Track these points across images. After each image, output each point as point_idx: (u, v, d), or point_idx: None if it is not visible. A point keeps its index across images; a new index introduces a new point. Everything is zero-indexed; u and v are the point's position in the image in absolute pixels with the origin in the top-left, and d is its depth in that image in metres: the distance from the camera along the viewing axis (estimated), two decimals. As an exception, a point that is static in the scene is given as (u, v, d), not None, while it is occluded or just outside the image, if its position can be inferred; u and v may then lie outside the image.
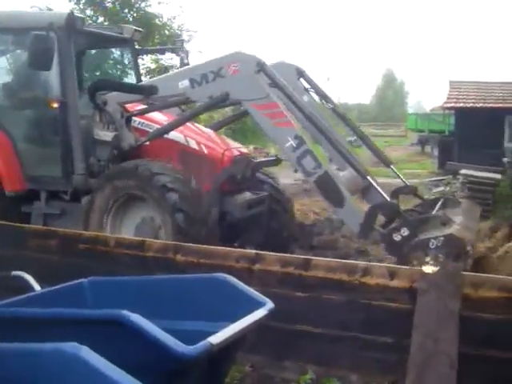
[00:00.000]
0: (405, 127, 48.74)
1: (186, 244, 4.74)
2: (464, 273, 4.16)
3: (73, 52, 7.86)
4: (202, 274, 3.94)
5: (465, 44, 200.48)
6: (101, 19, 23.08)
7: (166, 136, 7.58)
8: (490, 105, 23.05)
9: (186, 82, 7.16)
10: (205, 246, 4.68)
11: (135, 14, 23.21)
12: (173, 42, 18.25)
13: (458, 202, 7.51)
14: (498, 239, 9.17)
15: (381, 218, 6.72)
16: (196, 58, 20.83)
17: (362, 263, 4.45)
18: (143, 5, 23.59)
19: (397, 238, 6.08)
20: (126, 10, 23.13)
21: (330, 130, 7.24)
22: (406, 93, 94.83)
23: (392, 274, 4.15)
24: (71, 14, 7.77)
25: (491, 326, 3.96)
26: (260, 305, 3.29)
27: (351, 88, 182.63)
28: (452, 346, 3.75)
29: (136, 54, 9.67)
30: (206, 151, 7.68)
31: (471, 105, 23.51)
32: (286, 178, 19.45)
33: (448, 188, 17.15)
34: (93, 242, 5.02)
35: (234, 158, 7.63)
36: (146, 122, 7.90)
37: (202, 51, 22.74)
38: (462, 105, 23.85)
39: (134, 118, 7.81)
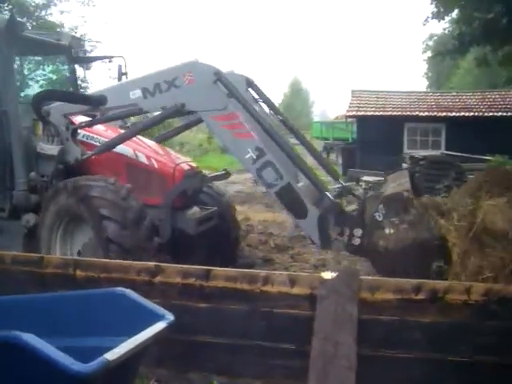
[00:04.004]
0: (310, 135, 49.78)
1: (85, 259, 4.64)
2: (362, 277, 4.30)
3: (13, 58, 7.41)
4: (102, 288, 3.89)
5: (367, 54, 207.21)
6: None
7: (114, 150, 7.21)
8: (389, 113, 24.00)
9: (137, 92, 6.80)
10: (104, 260, 4.61)
11: (35, 23, 22.59)
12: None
13: (384, 181, 7.63)
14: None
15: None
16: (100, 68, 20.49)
17: (262, 272, 4.50)
18: (43, 13, 23.02)
19: (356, 241, 6.06)
20: (25, 19, 22.47)
21: (287, 143, 6.88)
22: (312, 102, 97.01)
23: (292, 282, 4.21)
24: (13, 17, 7.23)
25: (388, 327, 4.10)
26: (159, 318, 3.30)
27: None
28: (350, 349, 3.86)
29: (74, 63, 9.09)
30: (156, 165, 7.33)
31: (371, 113, 24.39)
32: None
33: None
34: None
35: (185, 172, 7.33)
36: (92, 135, 7.49)
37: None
38: (363, 113, 24.71)
39: (78, 131, 7.36)
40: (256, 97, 7.53)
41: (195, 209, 7.50)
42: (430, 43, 57.06)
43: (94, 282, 4.40)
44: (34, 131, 7.48)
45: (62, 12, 23.03)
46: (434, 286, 4.13)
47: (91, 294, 3.74)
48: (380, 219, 5.79)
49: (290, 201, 6.28)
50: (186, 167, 7.48)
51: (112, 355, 2.72)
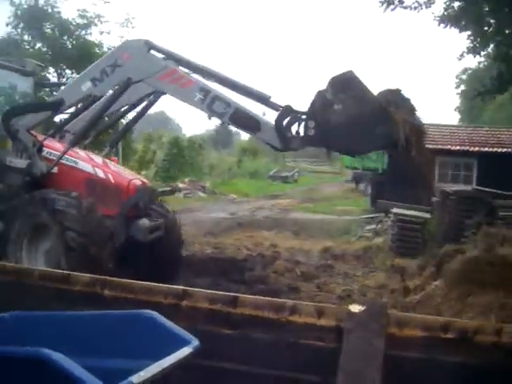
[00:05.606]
0: (340, 164, 49.48)
1: (113, 279, 4.64)
2: (389, 312, 4.24)
3: None
4: (129, 309, 3.89)
5: (400, 85, 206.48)
6: (38, 45, 22.80)
7: (75, 166, 8.20)
8: (422, 145, 23.77)
9: (88, 84, 7.70)
10: (132, 281, 4.61)
11: (74, 42, 23.03)
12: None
13: None
14: (426, 277, 9.43)
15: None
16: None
17: (289, 301, 4.46)
18: (83, 33, 23.43)
19: (311, 132, 6.92)
20: (66, 37, 22.93)
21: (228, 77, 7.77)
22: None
23: (319, 313, 4.17)
24: None
25: (415, 365, 4.03)
26: (185, 343, 3.28)
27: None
28: (376, 385, 3.79)
29: (35, 88, 10.17)
30: (112, 180, 8.28)
31: (403, 145, 24.15)
32: (220, 211, 19.56)
33: (379, 226, 17.54)
34: (16, 274, 4.84)
35: (137, 187, 8.31)
36: (54, 152, 8.33)
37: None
38: (395, 144, 24.48)
39: (43, 149, 8.26)
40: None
41: (145, 220, 8.45)
42: (464, 77, 56.81)
43: (121, 303, 4.39)
44: (3, 145, 8.40)
45: (101, 32, 23.39)
46: (463, 325, 4.06)
47: (119, 315, 3.74)
48: (330, 97, 6.72)
49: (243, 121, 7.20)
50: (139, 182, 8.59)
51: (138, 378, 2.71)
